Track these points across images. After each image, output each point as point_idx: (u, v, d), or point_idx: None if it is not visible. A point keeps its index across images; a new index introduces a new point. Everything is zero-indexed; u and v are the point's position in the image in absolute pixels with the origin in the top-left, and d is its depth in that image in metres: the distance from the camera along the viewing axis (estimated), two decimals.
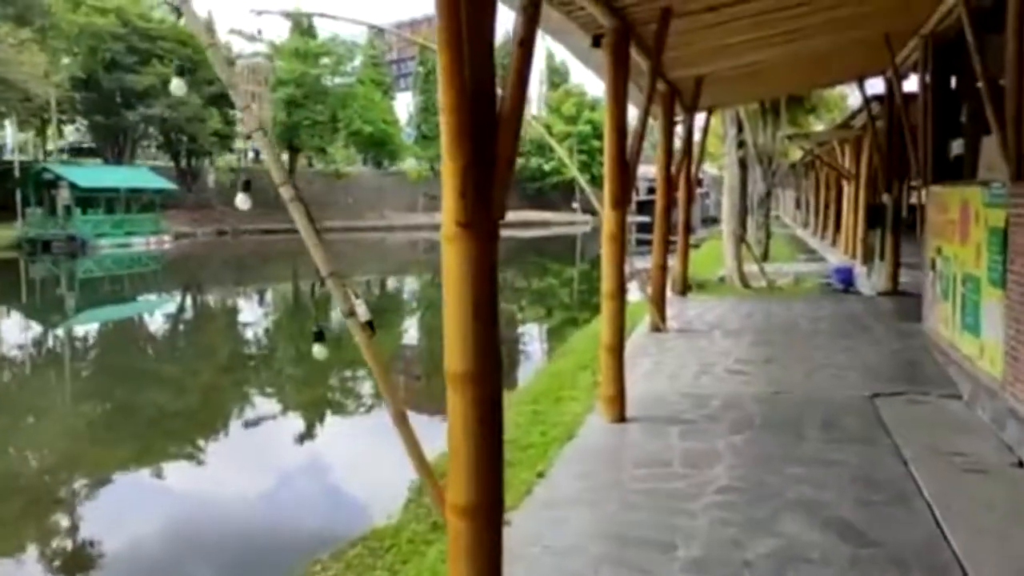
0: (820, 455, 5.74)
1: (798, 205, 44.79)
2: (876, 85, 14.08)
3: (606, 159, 6.65)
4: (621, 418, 6.83)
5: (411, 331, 22.40)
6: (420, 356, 18.65)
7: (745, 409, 7.00)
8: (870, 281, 14.40)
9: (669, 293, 13.67)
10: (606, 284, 6.82)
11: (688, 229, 13.48)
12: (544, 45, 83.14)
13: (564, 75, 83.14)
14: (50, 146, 52.45)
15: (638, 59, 7.36)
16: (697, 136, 13.72)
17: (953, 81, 9.45)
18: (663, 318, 10.49)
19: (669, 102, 10.23)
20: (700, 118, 14.32)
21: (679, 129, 12.32)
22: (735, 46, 8.73)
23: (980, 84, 6.79)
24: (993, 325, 6.72)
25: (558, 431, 6.68)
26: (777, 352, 9.12)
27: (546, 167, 74.99)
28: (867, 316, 11.11)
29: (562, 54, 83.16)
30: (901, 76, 10.26)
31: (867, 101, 12.97)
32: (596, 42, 6.66)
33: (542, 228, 63.79)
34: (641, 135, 6.86)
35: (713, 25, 7.58)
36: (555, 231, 62.81)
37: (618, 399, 6.86)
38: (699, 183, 52.35)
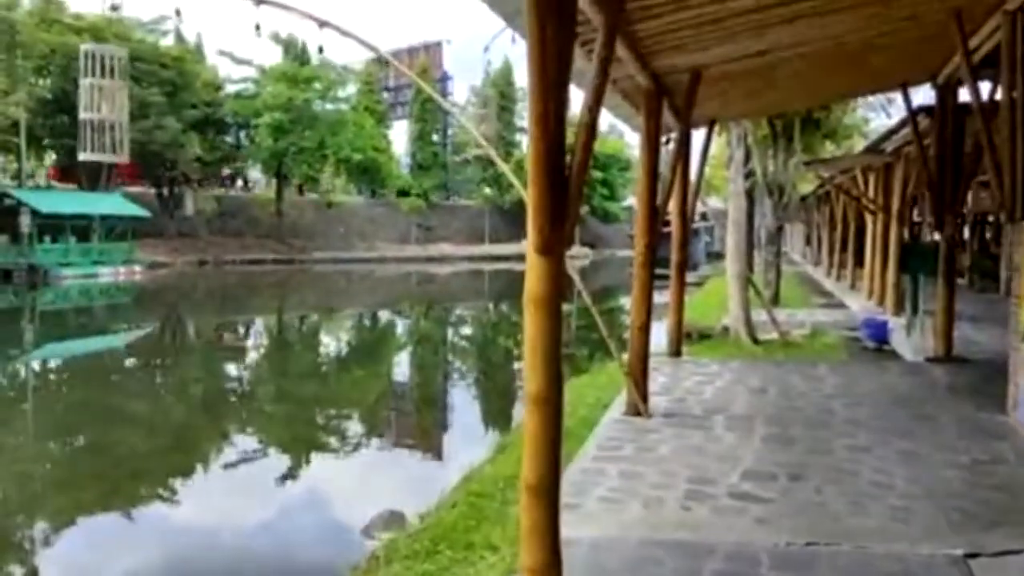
0: None
1: (808, 241, 42.14)
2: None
3: (530, 172, 3.93)
4: None
5: (403, 366, 20.33)
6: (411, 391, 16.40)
7: None
8: (910, 340, 11.59)
9: (662, 349, 10.97)
10: (532, 382, 4.05)
11: (683, 275, 10.72)
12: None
13: None
14: (28, 168, 50.14)
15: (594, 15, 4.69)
16: (695, 157, 11.03)
17: None
18: (644, 397, 7.70)
19: (655, 104, 7.51)
20: (698, 140, 11.63)
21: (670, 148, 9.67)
22: (743, 20, 6.05)
23: None
24: None
25: None
26: (804, 459, 6.31)
27: None
28: (923, 397, 8.27)
29: None
30: (974, 71, 7.53)
31: (912, 114, 10.27)
32: None
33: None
34: (590, 131, 4.13)
35: None
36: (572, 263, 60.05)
37: (550, 571, 4.07)
38: (703, 216, 50.05)
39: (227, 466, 10.27)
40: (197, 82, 50.84)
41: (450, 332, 27.97)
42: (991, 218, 29.63)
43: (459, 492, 6.39)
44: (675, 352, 10.87)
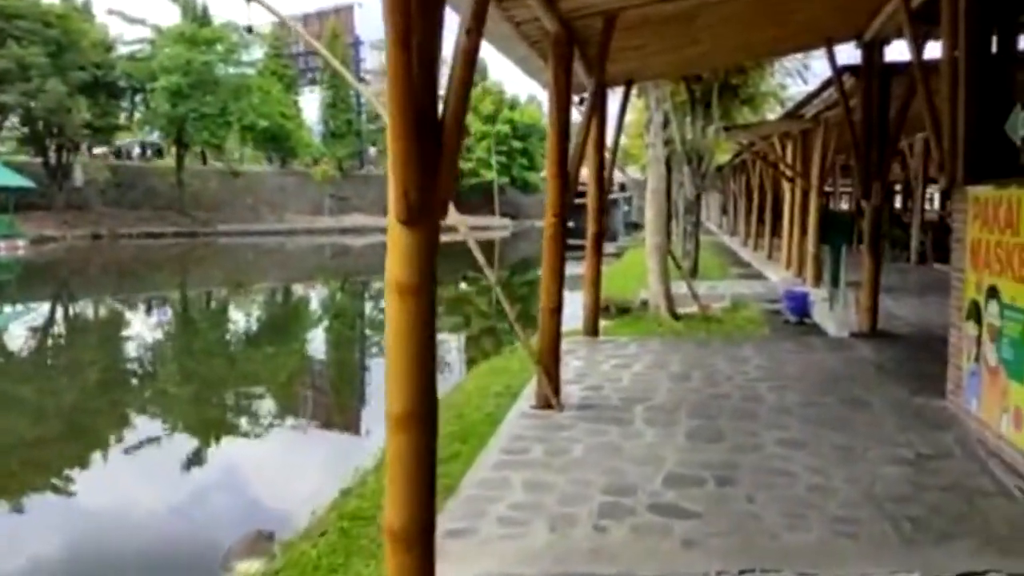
0: None
1: (725, 210, 42.31)
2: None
3: (389, 118, 2.98)
4: None
5: (317, 343, 19.16)
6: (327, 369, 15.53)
7: None
8: (833, 314, 11.10)
9: (577, 326, 10.24)
10: (395, 398, 3.13)
11: (599, 248, 9.93)
12: None
13: (482, 72, 79.58)
14: None
15: None
16: (612, 119, 10.23)
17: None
18: (556, 388, 6.86)
19: (564, 53, 6.60)
20: (614, 106, 10.78)
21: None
22: None
23: None
24: None
25: None
26: (733, 459, 5.57)
27: (464, 168, 71.33)
28: (853, 378, 7.66)
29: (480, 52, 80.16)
30: (915, 21, 6.85)
31: (838, 73, 9.64)
32: None
33: (458, 232, 59.70)
34: (469, 60, 3.18)
35: None
36: (473, 235, 59.01)
37: None
38: (621, 187, 49.76)
39: (96, 462, 9.09)
40: (84, 42, 47.40)
41: (366, 307, 26.88)
42: (898, 186, 30.02)
43: (333, 512, 5.43)
44: (591, 331, 10.09)
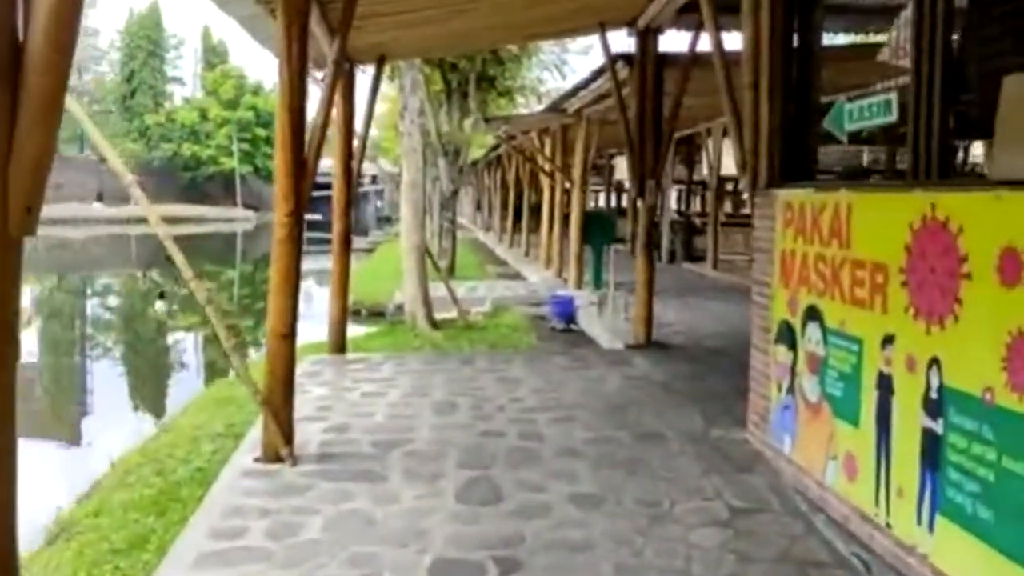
0: None
1: (478, 206, 42.13)
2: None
3: None
4: None
5: (29, 346, 16.23)
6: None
7: None
8: (602, 320, 10.40)
9: (321, 336, 8.75)
10: None
11: (347, 249, 8.44)
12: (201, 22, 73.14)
13: (223, 55, 74.34)
14: None
15: None
16: (362, 102, 8.76)
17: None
18: (288, 435, 5.29)
19: (299, 10, 5.07)
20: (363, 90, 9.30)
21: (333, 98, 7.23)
22: None
23: None
24: None
25: None
26: (518, 528, 4.34)
27: (202, 155, 66.18)
28: (640, 403, 6.75)
29: (220, 32, 74.97)
30: (714, 6, 6.02)
31: (612, 60, 8.83)
32: None
33: (196, 224, 54.72)
34: None
35: None
36: (212, 228, 54.55)
37: None
38: (373, 179, 47.90)
39: None
40: None
41: (87, 306, 24.00)
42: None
43: None
44: (338, 348, 8.57)
